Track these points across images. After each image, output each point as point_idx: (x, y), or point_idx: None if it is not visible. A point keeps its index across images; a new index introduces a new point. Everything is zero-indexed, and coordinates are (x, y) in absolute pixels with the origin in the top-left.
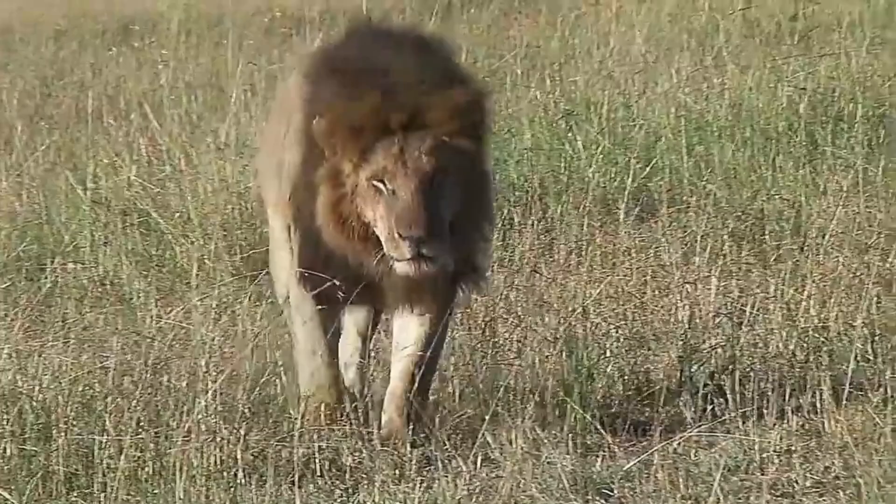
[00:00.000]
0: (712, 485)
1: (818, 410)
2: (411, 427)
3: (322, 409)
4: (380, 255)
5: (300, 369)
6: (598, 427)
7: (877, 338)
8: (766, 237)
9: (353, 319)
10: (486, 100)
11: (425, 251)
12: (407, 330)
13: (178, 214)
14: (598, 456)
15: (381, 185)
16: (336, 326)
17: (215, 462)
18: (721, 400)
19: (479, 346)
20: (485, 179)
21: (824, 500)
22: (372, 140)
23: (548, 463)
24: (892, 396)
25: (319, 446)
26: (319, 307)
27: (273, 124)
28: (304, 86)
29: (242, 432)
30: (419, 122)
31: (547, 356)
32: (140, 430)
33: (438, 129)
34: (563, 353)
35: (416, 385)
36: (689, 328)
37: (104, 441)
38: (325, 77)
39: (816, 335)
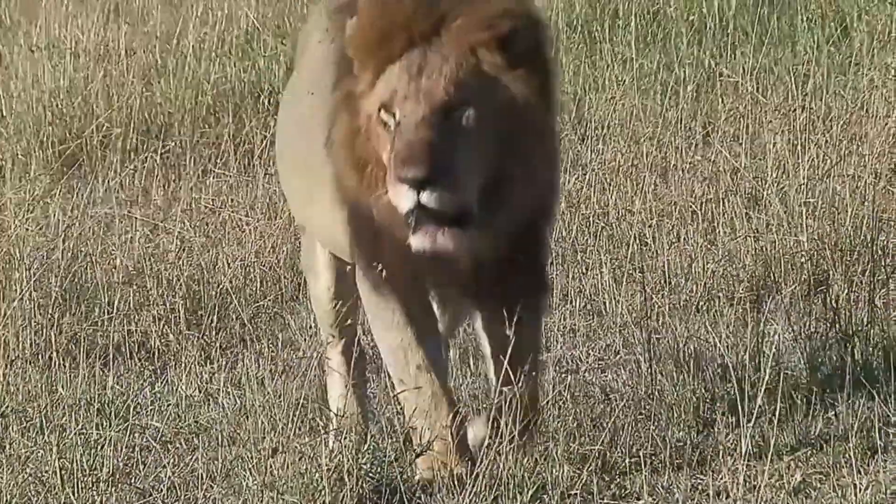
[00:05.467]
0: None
1: (599, 291)
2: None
3: (446, 450)
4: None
5: (403, 400)
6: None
7: (653, 222)
8: None
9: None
10: (541, 27)
11: (427, 200)
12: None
13: None
14: None
15: (389, 117)
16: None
17: (31, 346)
18: None
19: (280, 234)
20: (541, 129)
21: (606, 375)
22: (392, 54)
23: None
24: (668, 277)
25: (129, 330)
26: (403, 307)
27: (291, 112)
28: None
29: (57, 317)
30: (447, 33)
31: None
32: None
33: (470, 46)
34: None
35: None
36: None
37: None
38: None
39: (597, 220)
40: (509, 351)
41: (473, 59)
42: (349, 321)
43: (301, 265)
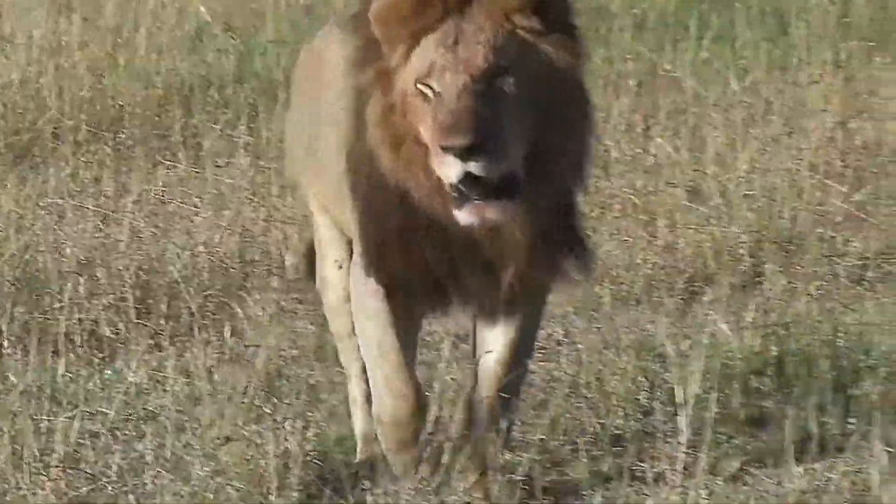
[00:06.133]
0: None
1: None
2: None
3: (402, 427)
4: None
5: (372, 386)
6: None
7: (595, 214)
8: None
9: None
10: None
11: (475, 168)
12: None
13: None
14: None
15: (427, 89)
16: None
17: None
18: None
19: (227, 226)
20: (579, 95)
21: (548, 363)
22: (425, 26)
23: (293, 332)
24: (609, 268)
25: (80, 319)
26: (390, 305)
27: (303, 98)
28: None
29: (8, 306)
30: (481, 4)
31: (291, 233)
32: None
33: (505, 12)
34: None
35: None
36: None
37: None
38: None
39: None
40: (513, 348)
41: (509, 25)
42: None
43: (316, 280)
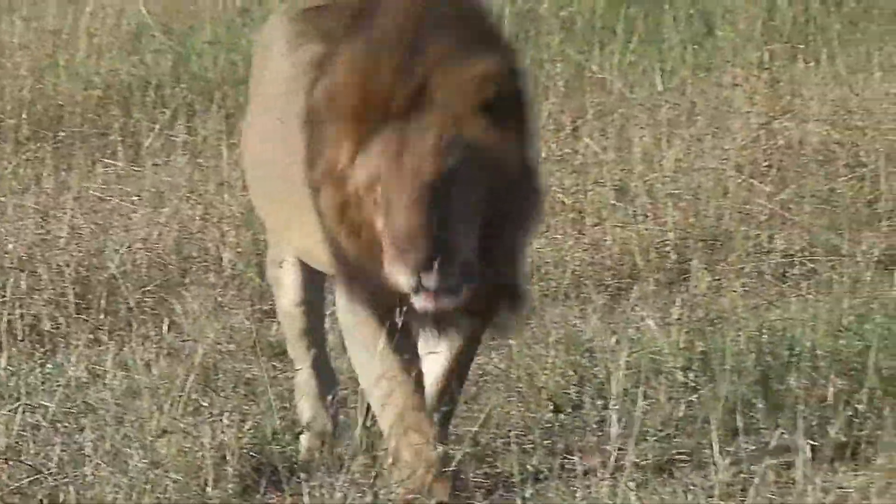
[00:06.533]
0: None
1: None
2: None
3: (420, 451)
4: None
5: (379, 414)
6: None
7: None
8: None
9: None
10: (518, 71)
11: (429, 283)
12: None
13: None
14: (274, 320)
15: (376, 193)
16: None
17: None
18: None
19: (165, 223)
20: (525, 174)
21: (479, 358)
22: (373, 126)
23: (229, 327)
24: (538, 265)
25: (21, 313)
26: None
27: (258, 113)
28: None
29: None
30: (428, 103)
31: (228, 230)
32: None
33: (450, 115)
34: (243, 228)
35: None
36: None
37: None
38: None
39: None
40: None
41: (456, 128)
42: (316, 332)
43: (267, 277)
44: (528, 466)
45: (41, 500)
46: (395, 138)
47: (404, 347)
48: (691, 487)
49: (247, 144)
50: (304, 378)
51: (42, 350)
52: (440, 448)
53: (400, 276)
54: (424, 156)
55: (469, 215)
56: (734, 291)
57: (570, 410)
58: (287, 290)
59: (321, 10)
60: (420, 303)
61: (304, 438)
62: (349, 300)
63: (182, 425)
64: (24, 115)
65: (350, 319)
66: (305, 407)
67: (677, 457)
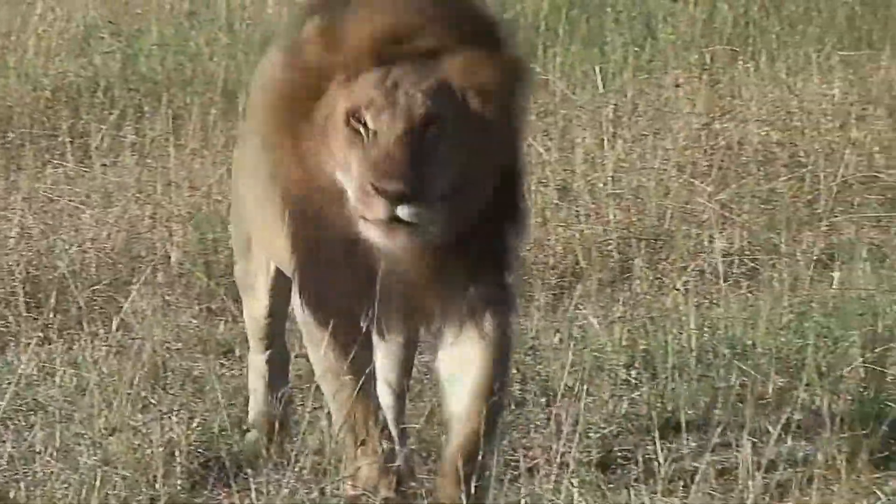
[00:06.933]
0: None
1: None
2: None
3: (363, 448)
4: (346, 219)
5: (331, 408)
6: (223, 294)
7: None
8: None
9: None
10: (522, 67)
11: (403, 213)
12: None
13: None
14: (222, 319)
15: (360, 125)
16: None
17: None
18: None
19: (114, 223)
20: (509, 144)
21: (422, 356)
22: (366, 62)
23: (177, 326)
24: None
25: None
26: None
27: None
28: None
29: None
30: (429, 56)
31: (176, 230)
32: None
33: (451, 70)
34: (191, 228)
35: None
36: None
37: None
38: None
39: None
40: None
41: (459, 79)
42: (278, 334)
43: (238, 282)
44: None
45: None
46: (392, 74)
47: (359, 344)
48: (634, 484)
49: (241, 167)
50: (257, 373)
51: None
52: (385, 444)
53: (377, 204)
54: (416, 94)
55: (448, 164)
56: (676, 290)
57: (513, 408)
58: (261, 299)
59: None
60: (373, 233)
61: (250, 433)
62: (306, 310)
63: (131, 422)
64: None
65: (309, 324)
66: (258, 401)
67: (620, 454)
